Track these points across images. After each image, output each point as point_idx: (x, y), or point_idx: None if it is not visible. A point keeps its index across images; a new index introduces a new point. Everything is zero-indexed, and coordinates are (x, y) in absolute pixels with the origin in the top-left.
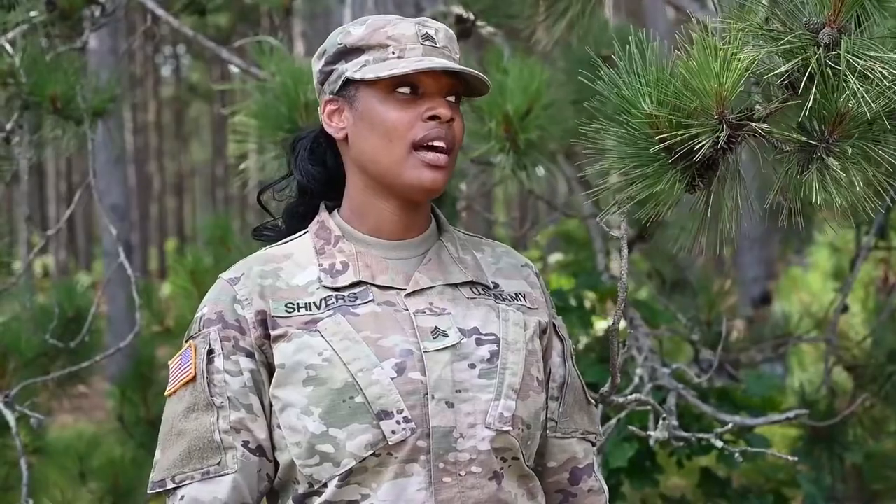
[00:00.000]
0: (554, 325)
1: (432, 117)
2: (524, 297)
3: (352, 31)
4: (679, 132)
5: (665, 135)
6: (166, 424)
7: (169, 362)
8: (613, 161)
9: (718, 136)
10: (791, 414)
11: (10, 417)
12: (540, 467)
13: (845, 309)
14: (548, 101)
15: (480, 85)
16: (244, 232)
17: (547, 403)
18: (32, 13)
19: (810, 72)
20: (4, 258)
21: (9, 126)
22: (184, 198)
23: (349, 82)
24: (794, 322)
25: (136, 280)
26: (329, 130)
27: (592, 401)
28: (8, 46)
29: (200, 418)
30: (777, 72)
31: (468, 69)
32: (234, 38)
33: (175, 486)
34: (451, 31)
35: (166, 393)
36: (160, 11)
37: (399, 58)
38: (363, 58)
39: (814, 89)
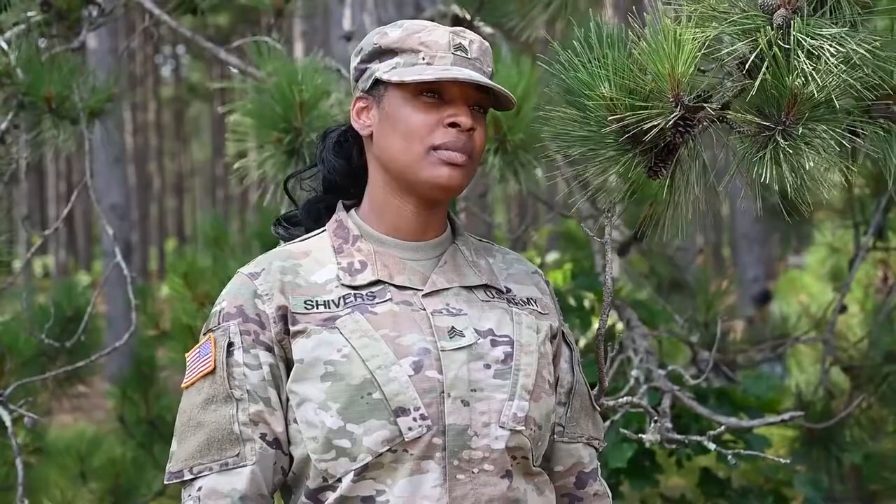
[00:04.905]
0: (562, 332)
1: (453, 124)
2: (535, 303)
3: (388, 32)
4: (634, 114)
5: (620, 115)
6: (183, 415)
7: (186, 355)
8: (573, 145)
9: (670, 118)
10: (786, 416)
11: (7, 417)
12: (546, 471)
13: (843, 309)
14: (538, 101)
15: (506, 99)
16: (244, 232)
17: (555, 408)
18: (29, 13)
19: (761, 52)
20: (4, 257)
21: (3, 126)
22: (184, 198)
23: (379, 82)
24: (792, 322)
25: (132, 281)
26: (356, 126)
27: (597, 407)
28: (4, 46)
29: (220, 410)
30: (726, 51)
31: (492, 83)
32: (234, 37)
33: (193, 476)
34: (486, 43)
35: (183, 385)
36: (157, 11)
37: (428, 64)
38: (395, 60)
39: (763, 69)
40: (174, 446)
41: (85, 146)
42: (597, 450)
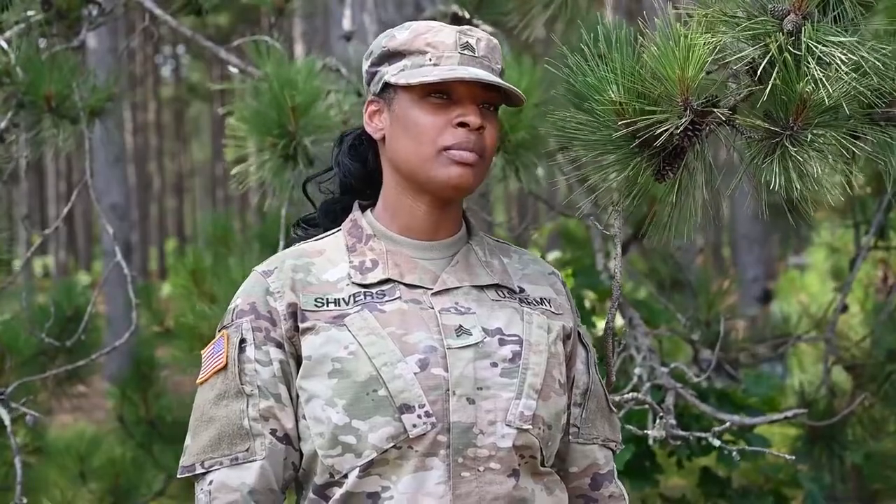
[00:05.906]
0: (578, 333)
1: (461, 124)
2: (549, 303)
3: (396, 35)
4: (644, 118)
5: (629, 120)
6: (197, 411)
7: (202, 351)
8: (579, 149)
9: (680, 122)
10: (790, 413)
11: (6, 416)
12: (562, 472)
13: (844, 309)
14: (539, 99)
15: (516, 95)
16: (244, 232)
17: (570, 409)
18: (30, 12)
19: (771, 58)
20: (4, 256)
21: (3, 124)
22: (184, 198)
23: (388, 85)
24: (793, 322)
25: (133, 280)
26: (368, 130)
27: (614, 409)
28: (4, 45)
29: (231, 405)
30: (738, 56)
31: (499, 80)
32: (234, 37)
33: (204, 470)
34: (494, 40)
35: (198, 381)
36: (158, 11)
37: (435, 65)
38: (403, 62)
39: (774, 75)
40: (188, 441)
41: (85, 146)
42: (613, 451)
